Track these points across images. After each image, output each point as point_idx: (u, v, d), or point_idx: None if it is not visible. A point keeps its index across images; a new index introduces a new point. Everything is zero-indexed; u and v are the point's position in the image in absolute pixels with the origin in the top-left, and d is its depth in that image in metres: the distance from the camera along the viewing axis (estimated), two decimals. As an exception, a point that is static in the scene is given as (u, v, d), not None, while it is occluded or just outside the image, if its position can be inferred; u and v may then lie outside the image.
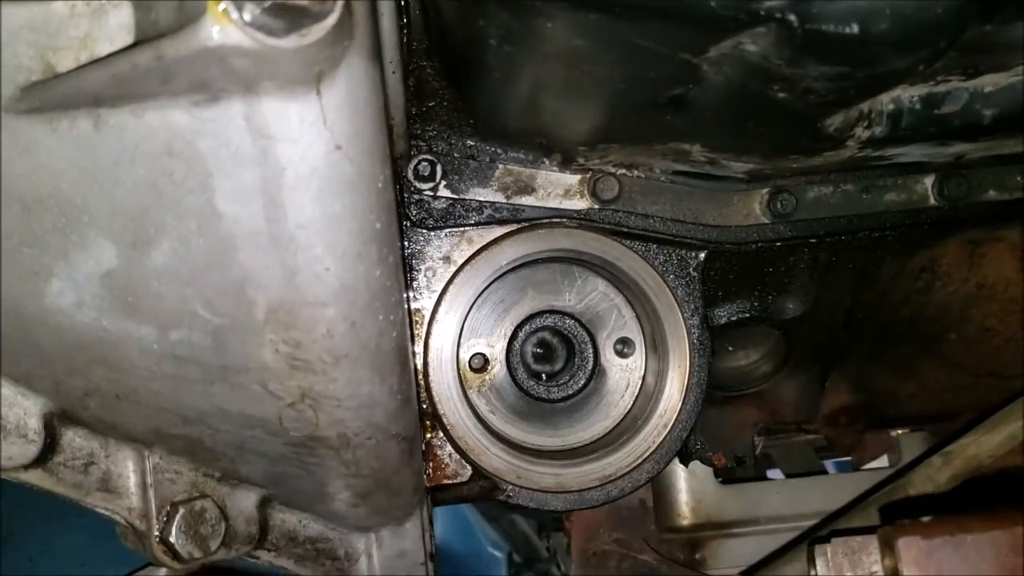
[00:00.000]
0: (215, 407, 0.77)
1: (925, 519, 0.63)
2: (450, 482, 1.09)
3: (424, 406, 1.06)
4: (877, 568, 0.78)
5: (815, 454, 1.64)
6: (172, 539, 0.84)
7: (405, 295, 0.96)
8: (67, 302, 0.69)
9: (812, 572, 0.83)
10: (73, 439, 0.82)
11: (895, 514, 0.66)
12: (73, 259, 0.67)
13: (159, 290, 0.67)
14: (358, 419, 0.78)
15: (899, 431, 1.45)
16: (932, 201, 1.04)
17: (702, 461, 1.32)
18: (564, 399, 1.17)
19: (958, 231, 1.10)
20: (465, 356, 1.13)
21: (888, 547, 0.63)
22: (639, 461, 1.11)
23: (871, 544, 0.77)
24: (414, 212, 1.02)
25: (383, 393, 0.77)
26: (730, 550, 1.42)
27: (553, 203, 1.04)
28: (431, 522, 1.10)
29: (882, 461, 1.49)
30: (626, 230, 1.05)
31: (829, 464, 1.64)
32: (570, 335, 1.16)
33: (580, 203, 1.04)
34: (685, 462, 1.32)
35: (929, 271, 1.15)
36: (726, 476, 1.48)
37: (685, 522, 1.43)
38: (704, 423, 1.30)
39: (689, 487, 1.44)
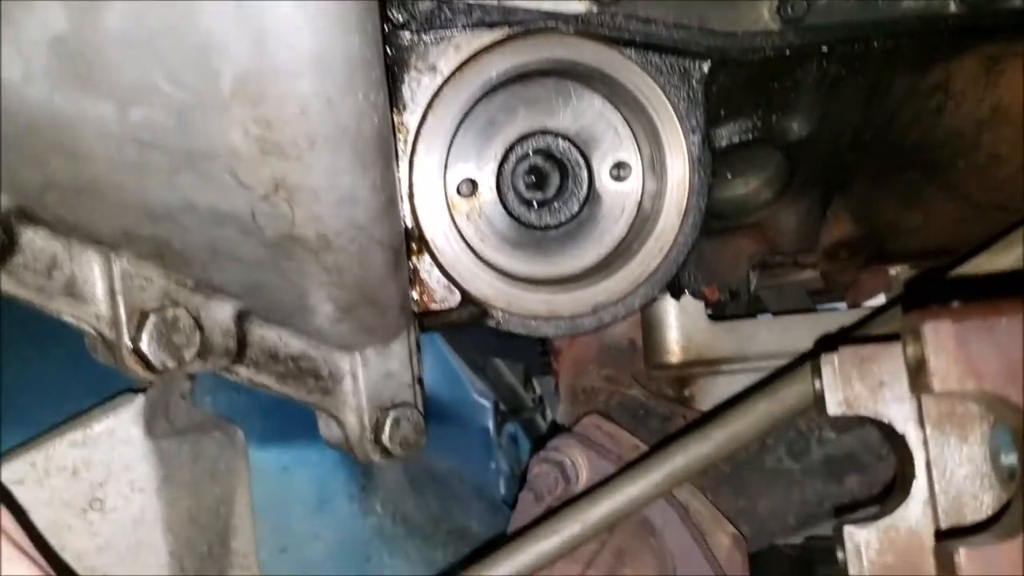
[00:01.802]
0: (183, 201, 0.71)
1: (954, 304, 0.58)
2: (438, 307, 1.05)
3: (411, 227, 1.01)
4: (888, 378, 0.75)
5: (807, 297, 1.62)
6: (144, 347, 0.80)
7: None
8: (15, 74, 0.62)
9: (817, 384, 0.80)
10: (33, 240, 0.77)
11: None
12: (17, 20, 0.60)
13: (115, 59, 0.61)
14: (338, 216, 0.72)
15: (898, 268, 1.41)
16: (952, 8, 0.97)
17: (694, 295, 1.28)
18: (557, 226, 1.11)
19: (977, 43, 1.03)
20: (453, 180, 1.07)
21: (914, 334, 0.59)
22: (634, 287, 1.07)
23: (883, 352, 0.74)
24: (396, 13, 0.94)
25: (364, 187, 0.72)
26: (719, 387, 1.40)
27: (548, 5, 0.96)
28: (419, 347, 1.07)
29: (879, 300, 1.46)
30: (627, 36, 0.97)
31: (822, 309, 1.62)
32: (564, 158, 1.10)
33: (578, 5, 0.96)
34: (677, 296, 1.28)
35: (943, 89, 1.09)
36: (717, 313, 1.44)
37: (674, 359, 1.41)
38: (699, 256, 1.25)
39: (679, 324, 1.41)
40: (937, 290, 0.84)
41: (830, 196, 1.20)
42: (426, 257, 1.03)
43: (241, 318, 0.88)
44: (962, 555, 0.57)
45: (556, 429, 1.41)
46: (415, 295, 1.02)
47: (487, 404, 2.18)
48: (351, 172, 0.69)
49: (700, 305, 1.42)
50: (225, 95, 0.62)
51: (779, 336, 1.41)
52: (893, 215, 1.25)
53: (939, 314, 0.58)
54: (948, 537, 0.62)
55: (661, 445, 1.01)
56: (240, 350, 0.88)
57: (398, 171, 0.97)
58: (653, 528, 1.12)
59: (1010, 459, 0.66)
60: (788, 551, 1.64)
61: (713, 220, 1.22)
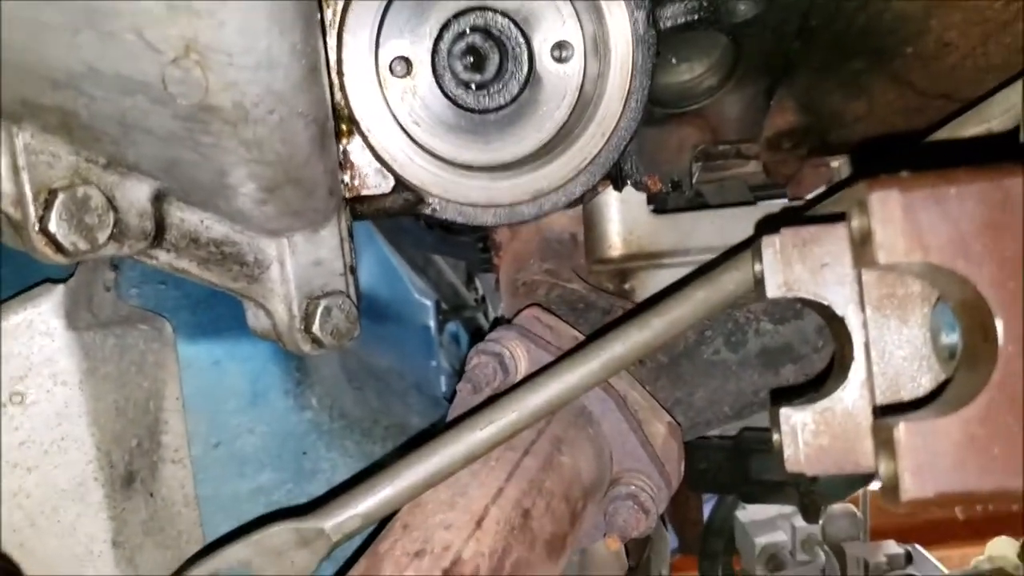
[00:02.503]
0: (86, 65, 0.65)
1: (903, 174, 0.56)
2: (370, 192, 1.00)
3: (340, 106, 0.96)
4: (829, 259, 0.73)
5: (749, 191, 1.60)
6: (52, 228, 0.75)
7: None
8: None
9: (757, 267, 0.78)
10: (-78, 109, 0.70)
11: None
12: None
13: None
14: (255, 83, 0.67)
15: (839, 161, 1.39)
16: None
17: (636, 186, 1.25)
18: (495, 110, 1.07)
19: (931, -80, 1.00)
20: (385, 58, 1.02)
21: (860, 205, 0.57)
22: (574, 173, 1.04)
23: (825, 233, 0.72)
24: None
25: (283, 51, 0.66)
26: (660, 280, 1.39)
27: None
28: (351, 234, 1.03)
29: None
30: (568, -100, 0.92)
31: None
32: (503, 37, 1.05)
33: None
34: (619, 187, 1.25)
35: (894, -29, 1.05)
36: (659, 207, 1.42)
37: (615, 252, 1.39)
38: (641, 145, 1.22)
39: (621, 217, 1.39)
40: (887, 161, 0.82)
41: (775, 84, 1.17)
42: (357, 139, 0.98)
43: (159, 199, 0.83)
44: (902, 430, 0.57)
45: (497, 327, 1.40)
46: (346, 179, 0.98)
47: (428, 303, 2.15)
48: (268, 32, 0.63)
49: (642, 198, 1.39)
50: (124, -60, 0.56)
51: (720, 229, 1.40)
52: (838, 104, 1.23)
53: (887, 183, 0.55)
54: (886, 414, 0.61)
55: (599, 333, 0.99)
56: (158, 233, 0.84)
57: (325, 43, 0.92)
58: (591, 417, 1.11)
59: (951, 338, 0.65)
60: (722, 443, 1.67)
61: (656, 107, 1.18)
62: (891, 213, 0.55)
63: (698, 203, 1.58)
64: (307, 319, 0.94)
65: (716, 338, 1.30)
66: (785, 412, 0.74)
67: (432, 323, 2.07)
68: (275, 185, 0.81)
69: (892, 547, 2.00)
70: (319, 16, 0.82)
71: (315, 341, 0.94)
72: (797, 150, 1.29)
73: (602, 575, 1.25)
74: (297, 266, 0.93)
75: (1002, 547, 1.08)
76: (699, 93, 1.17)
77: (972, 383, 0.56)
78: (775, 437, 0.76)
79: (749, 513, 2.02)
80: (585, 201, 1.42)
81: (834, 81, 1.20)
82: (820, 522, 1.91)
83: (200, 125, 0.70)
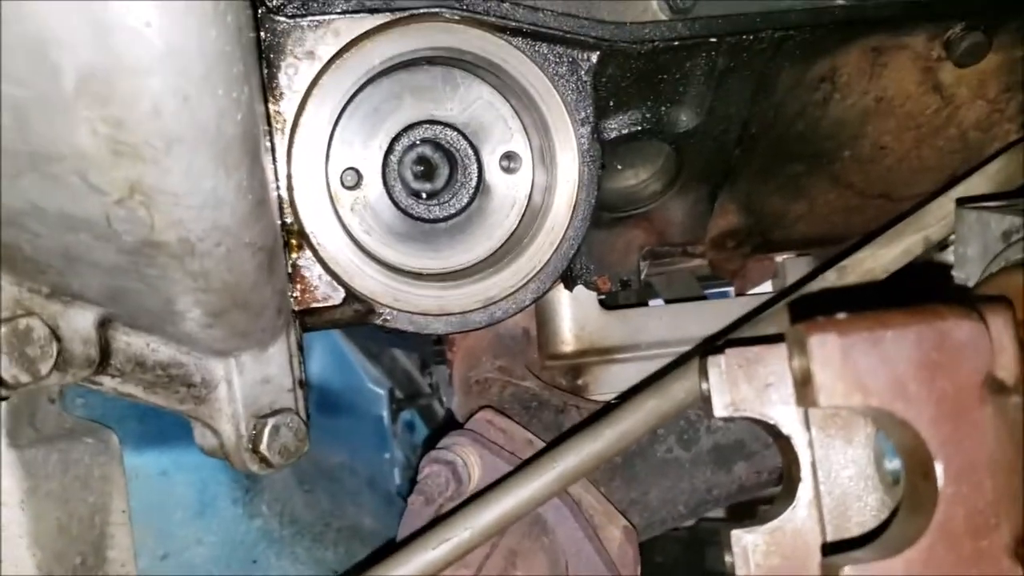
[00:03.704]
0: (29, 204, 0.65)
1: (840, 316, 0.57)
2: (320, 305, 1.00)
3: (290, 222, 0.96)
4: (774, 379, 0.74)
5: (697, 283, 1.63)
6: (-8, 362, 0.73)
7: (262, 92, 0.84)
8: None
9: (704, 386, 0.79)
10: None
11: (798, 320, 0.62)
12: None
13: (-64, 51, 0.54)
14: (201, 220, 0.67)
15: (784, 256, 1.42)
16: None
17: (587, 286, 1.27)
18: (446, 219, 1.08)
19: (862, 35, 1.04)
20: (336, 170, 1.03)
21: (799, 346, 0.58)
22: (524, 281, 1.05)
23: (769, 354, 0.73)
24: (270, -4, 0.89)
25: (229, 190, 0.67)
26: (612, 375, 1.40)
27: (432, -10, 0.92)
28: (300, 348, 1.02)
29: (766, 287, 1.48)
30: (513, 24, 0.94)
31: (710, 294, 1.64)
32: (452, 149, 1.06)
33: (462, -9, 0.92)
34: (570, 287, 1.27)
35: (829, 81, 1.09)
36: (609, 302, 1.44)
37: (568, 348, 1.40)
38: (590, 247, 1.24)
39: (572, 313, 1.40)
40: (823, 302, 0.84)
41: (717, 188, 1.20)
42: (307, 252, 0.98)
43: (103, 325, 0.82)
44: (846, 574, 0.57)
45: (452, 417, 1.39)
46: (296, 293, 0.97)
47: (381, 391, 2.13)
48: (213, 174, 0.64)
49: (593, 295, 1.41)
50: (68, 92, 0.56)
51: (669, 324, 1.42)
52: (779, 205, 1.26)
53: (825, 327, 0.57)
54: (834, 551, 0.62)
55: (553, 445, 0.99)
56: (103, 359, 0.82)
57: (275, 163, 0.92)
58: (546, 526, 1.10)
59: (894, 464, 0.66)
60: (678, 535, 1.66)
61: (604, 211, 1.20)
62: (830, 356, 0.56)
63: (647, 295, 1.60)
64: (255, 439, 0.92)
65: (669, 436, 1.30)
66: (736, 534, 0.75)
67: (386, 413, 2.05)
68: (221, 311, 0.80)
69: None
70: (267, 144, 0.82)
71: (263, 460, 0.93)
72: (741, 248, 1.31)
73: None
74: (245, 385, 0.92)
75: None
76: (645, 197, 1.20)
77: (914, 524, 0.57)
78: (728, 559, 0.76)
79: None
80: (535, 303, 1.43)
81: (775, 184, 1.23)
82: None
83: (146, 259, 0.70)
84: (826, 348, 0.56)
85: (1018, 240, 0.71)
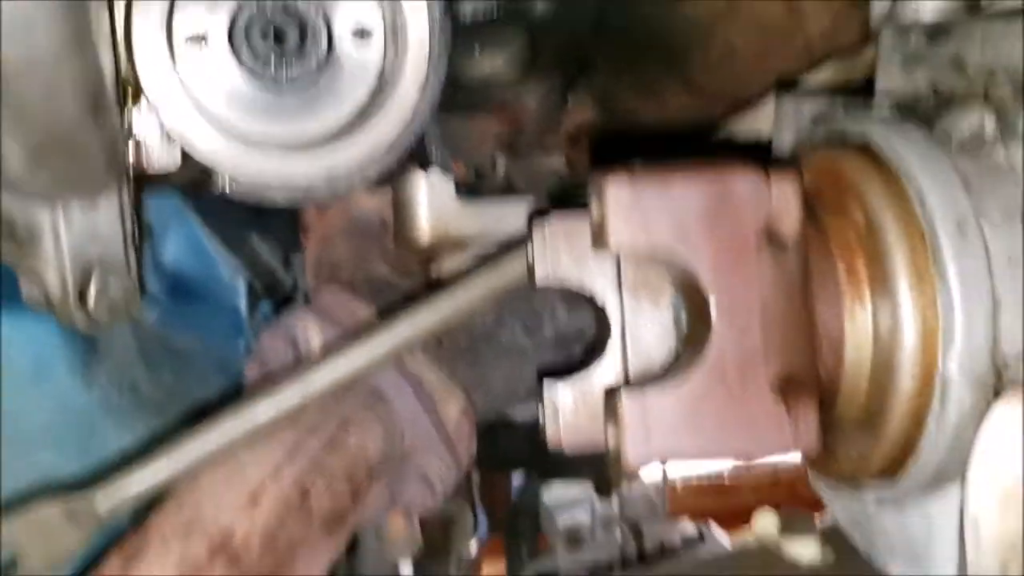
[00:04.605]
0: None
1: (636, 165, 0.61)
2: (156, 166, 0.98)
3: (126, 76, 0.93)
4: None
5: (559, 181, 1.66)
6: None
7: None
8: None
9: (528, 254, 0.82)
10: None
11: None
12: None
13: None
14: (16, 45, 0.65)
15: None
16: None
17: (442, 170, 1.28)
18: (293, 87, 1.06)
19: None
20: (180, 29, 0.99)
21: (597, 192, 0.61)
22: (371, 155, 1.05)
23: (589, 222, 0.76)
24: None
25: (45, 15, 0.64)
26: (464, 265, 1.43)
27: None
28: (136, 208, 1.00)
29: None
30: None
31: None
32: (303, 15, 1.04)
33: None
34: (424, 167, 1.28)
35: (680, -21, 1.12)
36: (468, 194, 1.45)
37: (423, 237, 1.41)
38: (445, 132, 1.25)
39: (429, 203, 1.41)
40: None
41: (572, 80, 1.23)
42: (143, 108, 0.95)
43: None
44: (624, 402, 0.61)
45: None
46: (131, 150, 0.95)
47: (239, 283, 2.09)
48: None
49: (450, 185, 1.42)
50: None
51: (524, 217, 1.45)
52: (632, 103, 1.29)
53: (619, 174, 0.60)
54: (628, 391, 0.66)
55: (388, 314, 1.01)
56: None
57: (112, 14, 0.89)
58: (384, 397, 1.13)
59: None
60: (524, 423, 1.72)
61: (460, 96, 1.21)
62: (621, 201, 0.59)
63: (510, 192, 1.62)
64: (81, 291, 0.91)
65: (514, 323, 1.34)
66: (548, 392, 0.78)
67: (243, 304, 2.02)
68: (42, 149, 0.78)
69: (687, 526, 2.11)
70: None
71: (89, 315, 0.92)
72: (595, 144, 1.35)
73: (394, 548, 1.28)
74: (72, 236, 0.90)
75: (766, 523, 1.17)
76: (500, 84, 1.21)
77: (691, 360, 0.62)
78: (540, 417, 0.80)
79: (554, 494, 2.09)
80: (393, 183, 1.44)
81: (628, 82, 1.26)
82: (617, 501, 2.01)
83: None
84: (619, 193, 0.59)
85: (823, 123, 0.76)
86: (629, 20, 1.16)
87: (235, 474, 0.90)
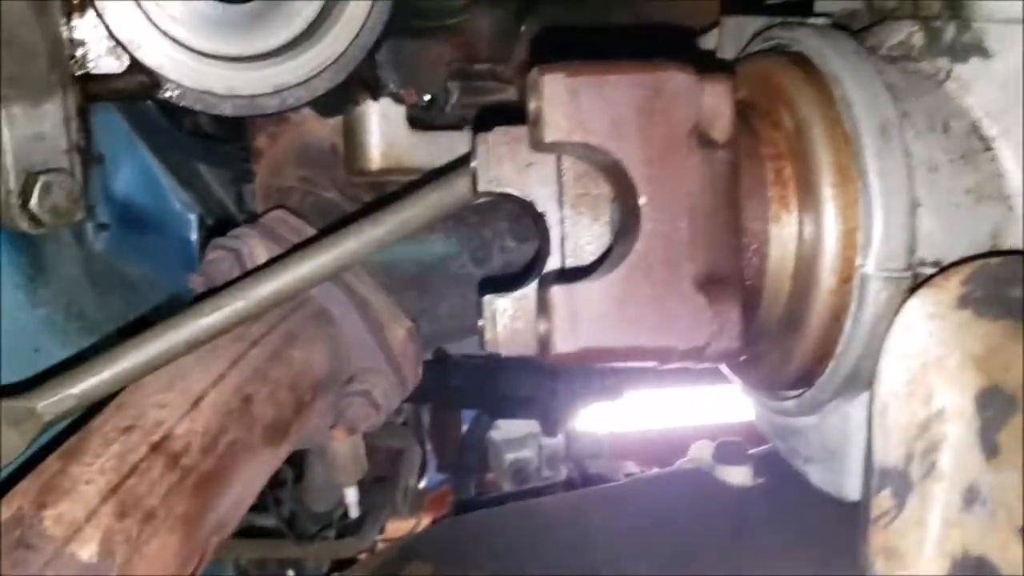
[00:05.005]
0: None
1: (574, 62, 0.62)
2: (102, 72, 0.97)
3: (71, -19, 0.92)
4: (535, 159, 0.78)
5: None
6: None
7: None
8: None
9: (473, 163, 0.83)
10: None
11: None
12: None
13: None
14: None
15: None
16: None
17: (393, 98, 1.28)
18: (243, 0, 1.06)
19: None
20: (129, -65, 0.98)
21: (534, 86, 0.62)
22: (318, 70, 1.05)
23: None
24: None
25: None
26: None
27: None
28: (83, 115, 0.99)
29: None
30: None
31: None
32: (254, -72, 1.03)
33: None
34: (376, 96, 1.28)
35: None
36: (420, 126, 1.45)
37: (373, 165, 1.41)
38: (397, 57, 1.25)
39: (381, 131, 1.41)
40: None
41: (524, 9, 1.23)
42: (90, 14, 0.94)
43: None
44: (554, 293, 0.63)
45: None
46: (77, 55, 0.95)
47: (191, 216, 2.08)
48: None
49: (402, 113, 1.42)
50: None
51: (476, 146, 1.45)
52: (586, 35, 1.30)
53: (557, 69, 0.61)
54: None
55: (333, 229, 1.02)
56: None
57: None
58: (331, 317, 1.14)
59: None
60: (475, 361, 1.75)
61: (413, 19, 1.21)
62: (557, 96, 0.61)
63: (461, 125, 1.62)
64: (24, 194, 0.90)
65: (463, 253, 1.36)
66: (488, 299, 0.80)
67: (194, 236, 2.01)
68: (-17, 41, 0.77)
69: (631, 466, 2.16)
70: None
71: (32, 218, 0.91)
72: (548, 76, 1.35)
73: (341, 475, 1.29)
74: (15, 138, 0.89)
75: (701, 451, 1.21)
76: (453, 9, 1.21)
77: (620, 254, 0.63)
78: (479, 322, 0.81)
79: (502, 432, 2.13)
80: (345, 112, 1.43)
81: (583, 12, 1.27)
82: (561, 438, 2.05)
83: None
84: (554, 87, 0.61)
85: (761, 36, 0.77)
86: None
87: (178, 380, 0.91)
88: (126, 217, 1.90)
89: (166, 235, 1.99)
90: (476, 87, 1.45)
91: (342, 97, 1.25)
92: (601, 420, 2.28)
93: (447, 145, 1.45)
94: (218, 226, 2.15)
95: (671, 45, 1.19)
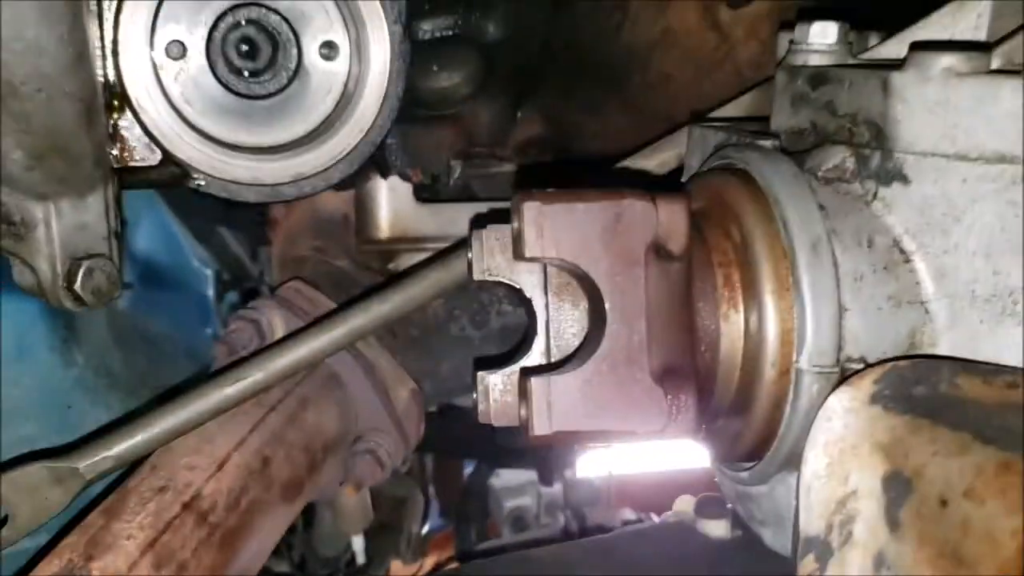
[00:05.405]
0: None
1: (550, 190, 0.73)
2: (139, 164, 1.09)
3: (114, 84, 1.04)
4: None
5: (511, 188, 1.78)
6: None
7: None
8: None
9: (468, 255, 0.93)
10: None
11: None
12: None
13: None
14: (23, 65, 0.76)
15: (583, 168, 1.59)
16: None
17: (401, 176, 1.39)
18: (265, 97, 1.17)
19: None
20: (161, 41, 1.10)
21: (516, 209, 0.73)
22: (333, 162, 1.16)
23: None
24: None
25: (51, 41, 0.75)
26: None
27: None
28: (119, 202, 1.11)
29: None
30: (334, -76, 1.04)
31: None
32: (275, 32, 1.15)
33: None
34: (385, 175, 1.39)
35: (621, 10, 1.24)
36: (429, 198, 1.57)
37: (382, 235, 1.52)
38: (405, 141, 1.37)
39: (388, 203, 1.52)
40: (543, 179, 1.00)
41: (522, 97, 1.34)
42: (128, 114, 1.06)
43: (-75, 159, 0.89)
44: (532, 383, 0.74)
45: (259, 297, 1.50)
46: (116, 151, 1.06)
47: (208, 272, 2.20)
48: (36, 24, 0.72)
49: (409, 187, 1.54)
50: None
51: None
52: (577, 121, 1.41)
53: (533, 196, 0.72)
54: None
55: (345, 306, 1.13)
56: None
57: (102, 28, 1.00)
58: (340, 381, 1.24)
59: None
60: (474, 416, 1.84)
61: (419, 109, 1.33)
62: (534, 219, 0.71)
63: (467, 196, 1.74)
64: (70, 278, 1.01)
65: (463, 317, 1.46)
66: (481, 374, 0.90)
67: (211, 292, 2.12)
68: (41, 154, 0.88)
69: (628, 513, 2.25)
70: (91, 6, 0.90)
71: (76, 299, 1.02)
72: (543, 157, 1.47)
73: (349, 525, 1.39)
74: (62, 229, 1.00)
75: (683, 505, 1.30)
76: (456, 99, 1.33)
77: (589, 351, 0.74)
78: (473, 396, 0.92)
79: (502, 479, 2.22)
80: (357, 187, 1.55)
81: (574, 102, 1.39)
82: (559, 486, 2.14)
83: (-31, 96, 0.78)
84: (532, 212, 0.71)
85: (720, 152, 0.88)
86: (574, 45, 1.28)
87: (205, 443, 1.02)
88: (147, 275, 2.02)
89: (184, 291, 2.11)
90: (477, 164, 1.57)
91: (355, 175, 1.37)
92: (599, 465, 2.37)
93: (450, 216, 1.57)
94: (233, 281, 2.27)
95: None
